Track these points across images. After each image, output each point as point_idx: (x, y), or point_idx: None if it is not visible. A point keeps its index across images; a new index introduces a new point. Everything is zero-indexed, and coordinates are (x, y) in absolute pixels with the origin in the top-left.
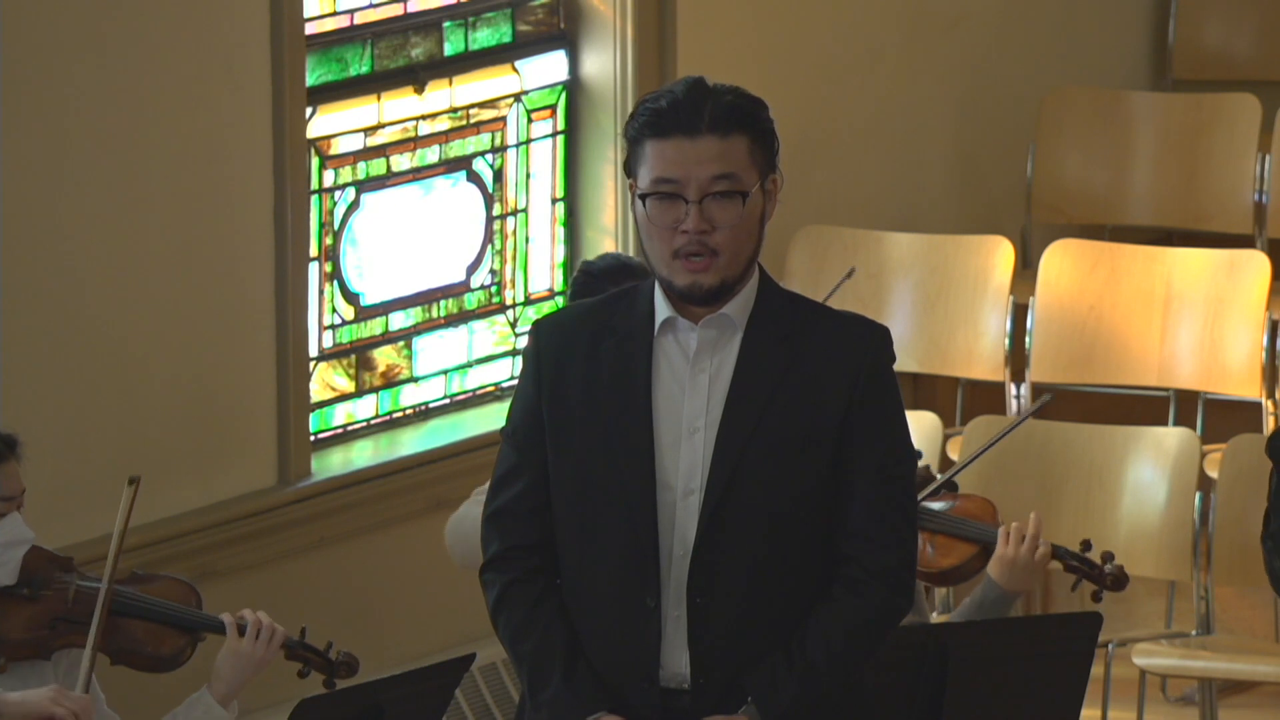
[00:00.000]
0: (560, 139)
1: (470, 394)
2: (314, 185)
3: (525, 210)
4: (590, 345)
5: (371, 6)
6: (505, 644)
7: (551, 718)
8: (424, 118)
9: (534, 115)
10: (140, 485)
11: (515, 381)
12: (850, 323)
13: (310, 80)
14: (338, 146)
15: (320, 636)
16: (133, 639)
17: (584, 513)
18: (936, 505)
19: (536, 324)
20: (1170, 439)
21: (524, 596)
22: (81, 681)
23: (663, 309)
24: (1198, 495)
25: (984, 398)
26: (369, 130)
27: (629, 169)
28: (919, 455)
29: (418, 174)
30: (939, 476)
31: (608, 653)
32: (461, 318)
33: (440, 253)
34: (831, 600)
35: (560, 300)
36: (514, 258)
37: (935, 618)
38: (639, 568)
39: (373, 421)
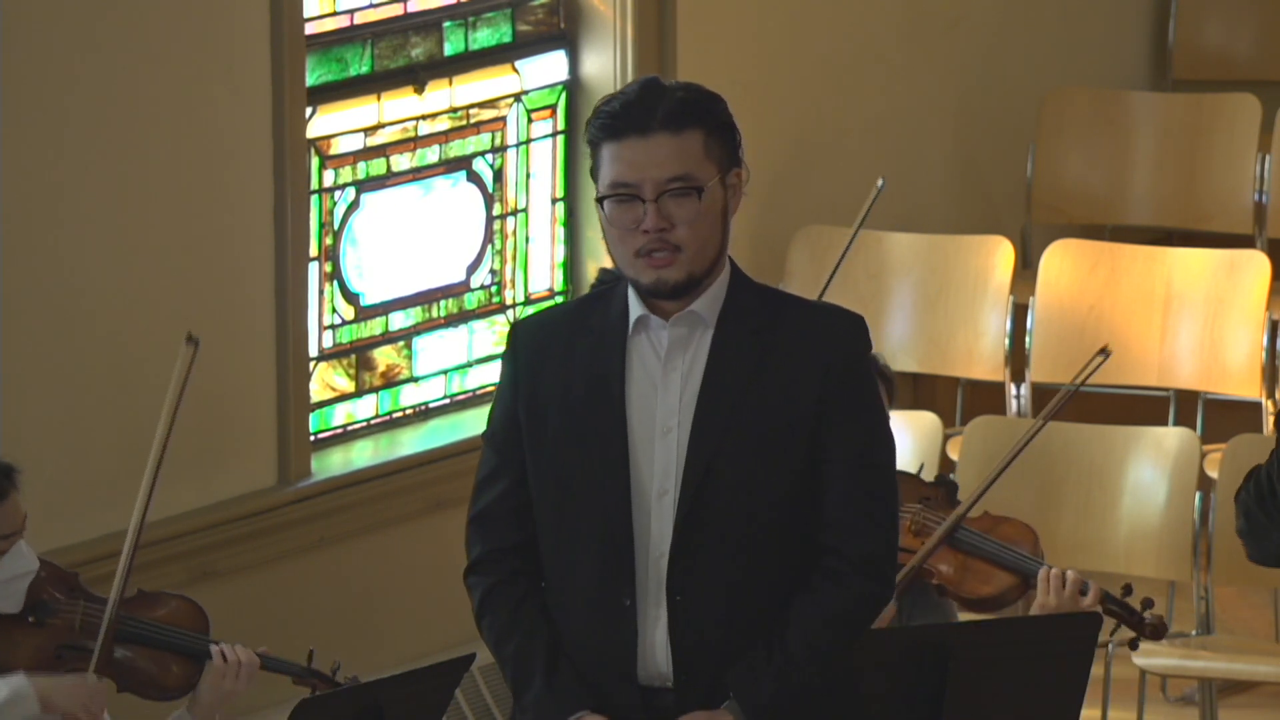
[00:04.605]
0: (560, 139)
1: (470, 394)
2: (314, 185)
3: (525, 210)
4: (566, 346)
5: (371, 6)
6: (489, 647)
7: (535, 719)
8: (424, 118)
9: (534, 115)
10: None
11: None
12: (823, 313)
13: (310, 80)
14: (338, 146)
15: (320, 636)
16: (138, 668)
17: (561, 514)
18: (977, 528)
19: (514, 326)
20: (1170, 439)
21: (506, 599)
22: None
23: (636, 307)
24: (1198, 495)
25: (984, 398)
26: (369, 130)
27: (593, 173)
28: (944, 478)
29: (418, 174)
30: (945, 476)
31: (587, 652)
32: (461, 318)
33: (440, 253)
34: (811, 591)
35: (561, 300)
36: (514, 258)
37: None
38: (615, 568)
39: (373, 421)
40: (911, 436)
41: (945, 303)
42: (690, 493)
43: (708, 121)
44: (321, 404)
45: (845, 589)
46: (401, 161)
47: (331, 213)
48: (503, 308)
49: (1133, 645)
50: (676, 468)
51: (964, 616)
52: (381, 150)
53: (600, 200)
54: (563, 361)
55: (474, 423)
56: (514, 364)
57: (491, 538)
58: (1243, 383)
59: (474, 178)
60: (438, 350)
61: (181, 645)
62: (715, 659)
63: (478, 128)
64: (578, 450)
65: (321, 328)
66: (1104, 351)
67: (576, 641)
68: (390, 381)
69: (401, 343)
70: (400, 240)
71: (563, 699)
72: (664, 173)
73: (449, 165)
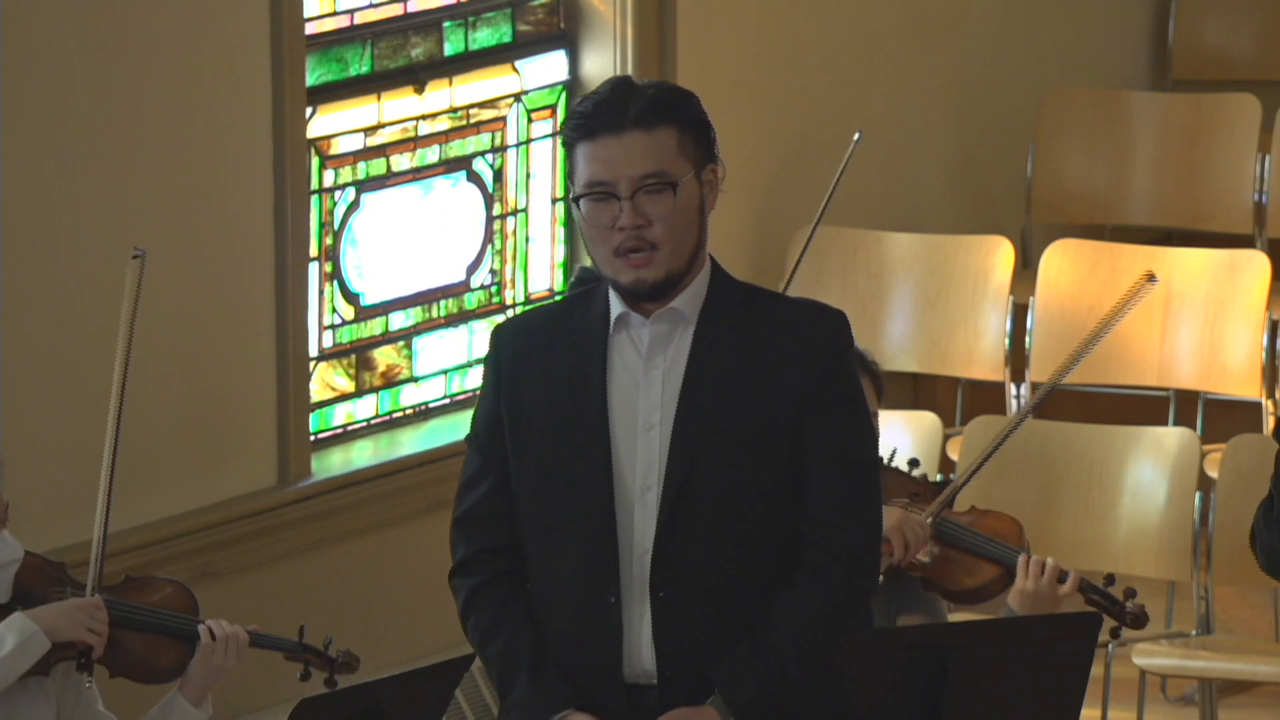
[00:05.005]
0: (560, 139)
1: (470, 394)
2: (314, 185)
3: (525, 210)
4: (548, 347)
5: (371, 6)
6: (474, 647)
7: (521, 719)
8: (424, 118)
9: (534, 115)
10: (145, 260)
11: None
12: (805, 309)
13: (310, 80)
14: (338, 146)
15: (320, 636)
16: (130, 652)
17: (545, 513)
18: (962, 521)
19: (496, 328)
20: (1170, 439)
21: (491, 599)
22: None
23: (616, 306)
24: (1198, 495)
25: (984, 398)
26: (369, 130)
27: (569, 174)
28: (916, 462)
29: (418, 174)
30: (939, 476)
31: (572, 651)
32: (461, 318)
33: (440, 253)
34: (794, 586)
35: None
36: (514, 258)
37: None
38: (599, 565)
39: (373, 421)
40: (911, 436)
41: (945, 303)
42: (673, 489)
43: (680, 118)
44: (321, 404)
45: (828, 583)
46: (401, 161)
47: (331, 213)
48: (503, 308)
49: (1114, 634)
50: (659, 464)
51: (950, 611)
52: (381, 150)
53: (576, 200)
54: (544, 362)
55: None
56: (496, 366)
57: (476, 539)
58: (1243, 383)
59: (474, 178)
60: (438, 350)
61: (171, 626)
62: (699, 655)
63: (478, 128)
64: (560, 449)
65: (321, 328)
66: (1151, 277)
67: (561, 640)
68: (390, 381)
69: (401, 343)
70: (400, 240)
71: (548, 698)
72: (638, 170)
73: (449, 165)
